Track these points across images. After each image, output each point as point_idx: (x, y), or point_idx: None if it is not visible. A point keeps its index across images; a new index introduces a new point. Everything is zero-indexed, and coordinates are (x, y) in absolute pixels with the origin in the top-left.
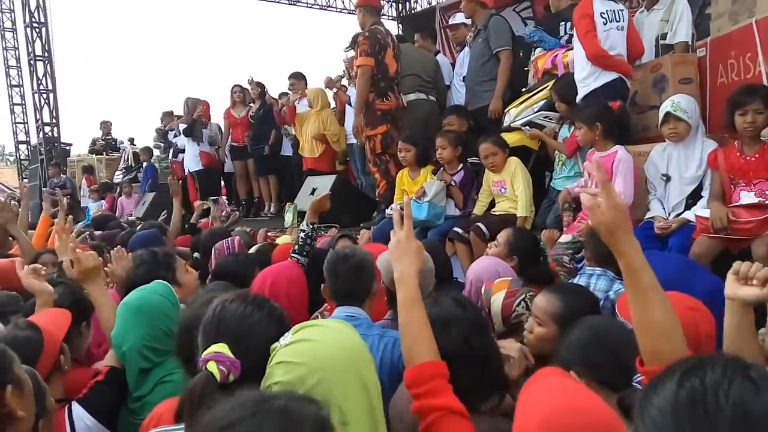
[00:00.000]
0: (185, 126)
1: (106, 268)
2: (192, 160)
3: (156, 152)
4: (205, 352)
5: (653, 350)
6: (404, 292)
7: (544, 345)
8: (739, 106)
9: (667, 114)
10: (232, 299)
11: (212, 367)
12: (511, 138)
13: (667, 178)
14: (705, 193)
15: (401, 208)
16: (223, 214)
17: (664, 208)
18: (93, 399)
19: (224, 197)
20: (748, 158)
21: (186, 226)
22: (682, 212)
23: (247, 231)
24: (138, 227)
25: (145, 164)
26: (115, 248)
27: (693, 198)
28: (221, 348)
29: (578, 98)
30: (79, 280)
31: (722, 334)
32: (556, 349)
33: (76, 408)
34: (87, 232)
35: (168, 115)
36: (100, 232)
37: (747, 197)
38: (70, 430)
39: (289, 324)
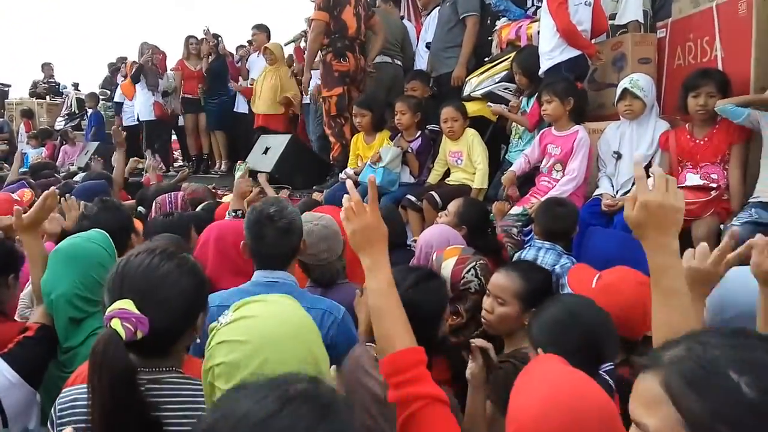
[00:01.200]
0: (133, 71)
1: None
2: (145, 109)
3: (102, 99)
4: (108, 309)
5: None
6: (378, 280)
7: (506, 325)
8: (692, 89)
9: (624, 90)
10: (139, 252)
11: (116, 324)
12: (470, 108)
13: (619, 156)
14: (652, 173)
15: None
16: (159, 167)
17: (612, 185)
18: (18, 355)
19: (157, 155)
20: (697, 141)
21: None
22: (630, 190)
23: (208, 187)
24: (79, 177)
25: (90, 111)
26: (65, 197)
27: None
28: (125, 304)
29: (541, 71)
30: (19, 230)
31: None
32: (528, 329)
33: None
34: (23, 180)
35: (122, 61)
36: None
37: (692, 179)
38: None
39: (204, 276)
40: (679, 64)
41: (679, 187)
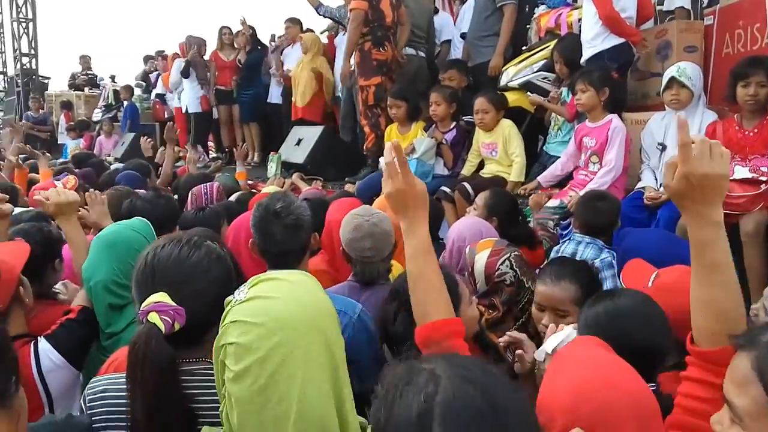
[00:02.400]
0: (182, 67)
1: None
2: (193, 102)
3: (137, 91)
4: (143, 304)
5: (706, 329)
6: (414, 244)
7: None
8: (742, 77)
9: (671, 79)
10: (165, 244)
11: (154, 318)
12: (508, 98)
13: (663, 148)
14: None
15: (392, 154)
16: (200, 159)
17: (656, 178)
18: (61, 336)
19: (200, 147)
20: (746, 133)
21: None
22: None
23: (235, 179)
24: (114, 167)
25: (125, 103)
26: (89, 191)
27: None
28: (161, 297)
29: (583, 59)
30: (53, 214)
31: None
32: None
33: (43, 344)
34: (66, 168)
35: (160, 54)
36: (79, 170)
37: (741, 172)
38: (36, 366)
39: (231, 263)
40: (728, 52)
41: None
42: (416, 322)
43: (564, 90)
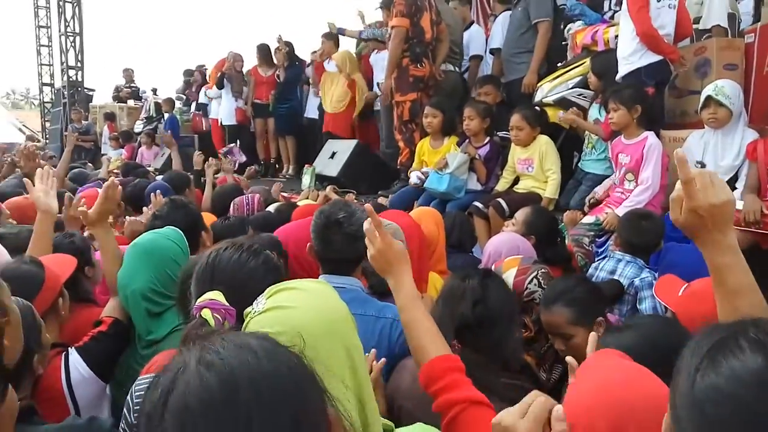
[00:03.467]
0: (217, 79)
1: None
2: (227, 114)
3: (178, 104)
4: (199, 300)
5: None
6: (403, 296)
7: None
8: None
9: (708, 98)
10: (227, 247)
11: (207, 314)
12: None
13: (702, 166)
14: (739, 185)
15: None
16: (236, 165)
17: None
18: (92, 349)
19: (236, 146)
20: None
21: (201, 179)
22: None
23: (266, 188)
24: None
25: (166, 115)
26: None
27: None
28: (216, 295)
29: (619, 76)
30: (92, 221)
31: None
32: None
33: (74, 356)
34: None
35: (200, 68)
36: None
37: None
38: (65, 377)
39: (284, 274)
40: None
41: None
42: (417, 367)
43: (596, 107)
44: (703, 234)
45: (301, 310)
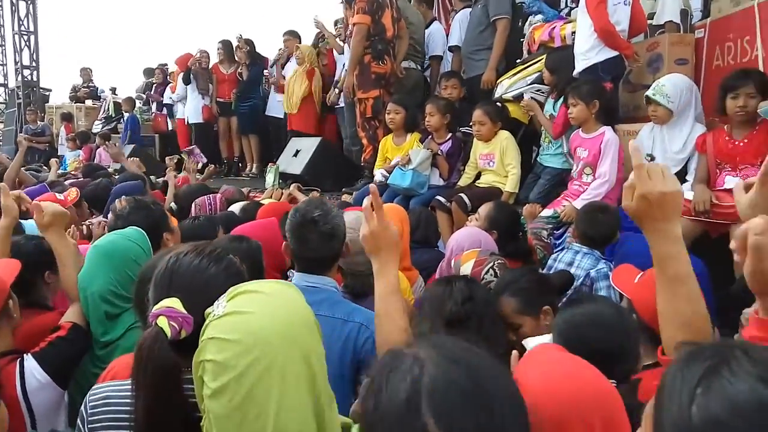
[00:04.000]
0: (183, 74)
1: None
2: (194, 111)
3: (138, 103)
4: (155, 307)
5: (675, 339)
6: (384, 284)
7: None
8: (731, 89)
9: (647, 97)
10: (188, 251)
11: (163, 322)
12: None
13: (651, 158)
14: (690, 177)
15: (370, 196)
16: (199, 165)
17: None
18: (49, 354)
19: (197, 147)
20: (736, 143)
21: (161, 180)
22: None
23: (241, 190)
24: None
25: (126, 115)
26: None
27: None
28: (173, 302)
29: (576, 71)
30: (45, 225)
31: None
32: (552, 328)
33: (30, 362)
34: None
35: (161, 67)
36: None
37: (732, 182)
38: (20, 385)
39: (246, 280)
40: (718, 64)
41: (718, 191)
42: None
43: (550, 102)
44: (650, 222)
45: (258, 315)
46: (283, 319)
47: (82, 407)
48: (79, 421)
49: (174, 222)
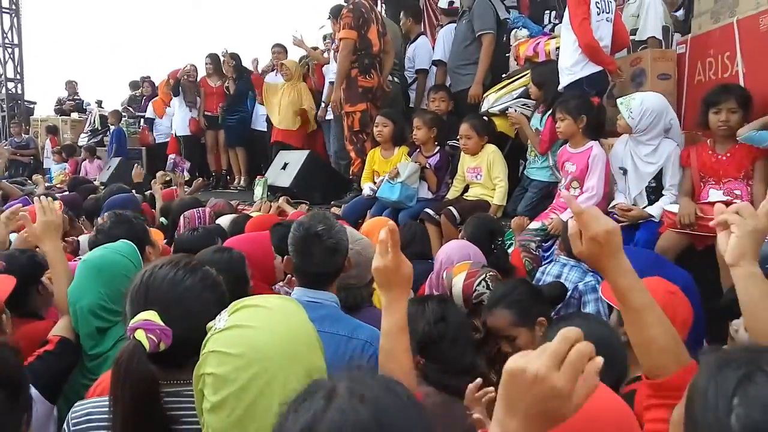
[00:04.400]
0: (172, 85)
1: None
2: (182, 124)
3: (125, 117)
4: (133, 320)
5: (656, 366)
6: (392, 321)
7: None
8: (713, 105)
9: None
10: (163, 264)
11: (140, 335)
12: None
13: (624, 171)
14: (666, 192)
15: (387, 230)
16: (186, 174)
17: (625, 199)
18: (38, 369)
19: (180, 157)
20: (719, 157)
21: (146, 192)
22: (637, 204)
23: (230, 203)
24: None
25: (112, 128)
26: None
27: (656, 195)
28: (150, 315)
29: (561, 86)
30: (37, 235)
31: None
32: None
33: None
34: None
35: (145, 80)
36: (64, 194)
37: (715, 195)
38: None
39: (225, 291)
40: (700, 79)
41: (702, 203)
42: None
43: (537, 117)
44: (603, 261)
45: (260, 330)
46: (285, 334)
47: (65, 424)
48: None
49: (160, 236)
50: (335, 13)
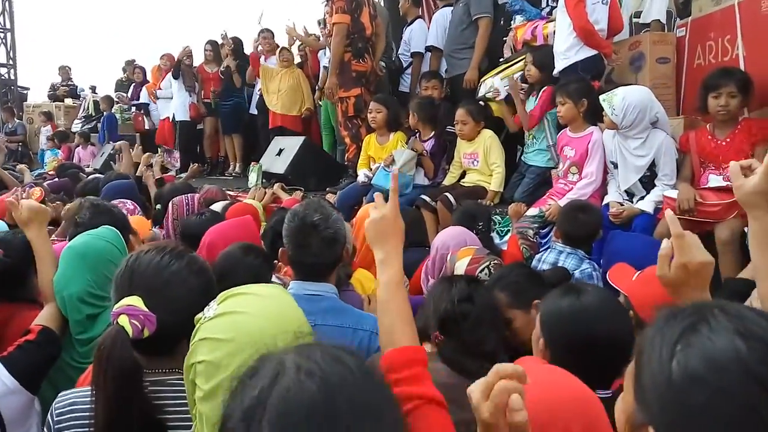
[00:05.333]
0: (172, 69)
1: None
2: (181, 108)
3: (118, 103)
4: (116, 306)
5: None
6: (389, 274)
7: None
8: (713, 89)
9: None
10: (149, 250)
11: (124, 321)
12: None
13: (615, 166)
14: (658, 182)
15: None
16: (172, 171)
17: (618, 192)
18: (18, 358)
19: (176, 151)
20: (719, 142)
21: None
22: (643, 197)
23: (223, 189)
24: (92, 177)
25: (105, 114)
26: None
27: (652, 184)
28: (134, 301)
29: (556, 71)
30: (23, 221)
31: None
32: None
33: None
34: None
35: (130, 65)
36: (56, 180)
37: (715, 180)
38: None
39: (212, 277)
40: (699, 63)
41: (702, 189)
42: (382, 349)
43: (532, 100)
44: (687, 292)
45: (251, 315)
46: (276, 318)
47: (49, 415)
48: (45, 428)
49: (146, 224)
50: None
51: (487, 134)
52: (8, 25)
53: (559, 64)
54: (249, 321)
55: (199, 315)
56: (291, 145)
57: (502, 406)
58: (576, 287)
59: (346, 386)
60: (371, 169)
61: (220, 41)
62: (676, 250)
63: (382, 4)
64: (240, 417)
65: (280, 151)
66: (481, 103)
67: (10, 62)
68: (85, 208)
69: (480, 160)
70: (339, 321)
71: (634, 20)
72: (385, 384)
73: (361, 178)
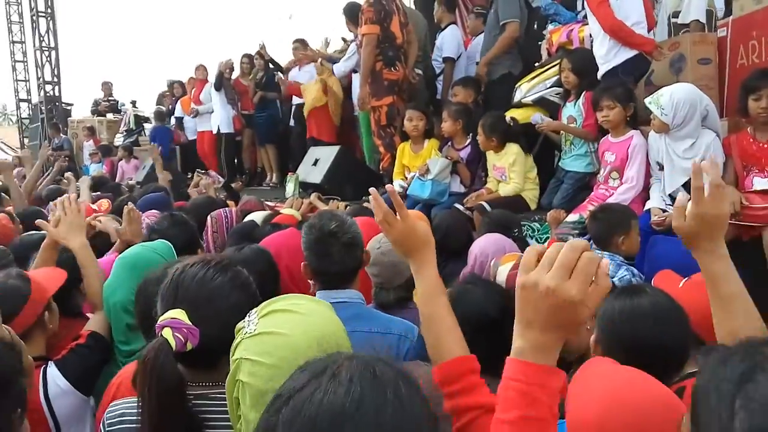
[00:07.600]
0: (214, 81)
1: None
2: (226, 121)
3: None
4: (161, 318)
5: None
6: (425, 285)
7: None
8: (753, 90)
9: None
10: (194, 263)
11: (167, 334)
12: (522, 114)
13: (661, 167)
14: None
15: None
16: (214, 185)
17: (663, 197)
18: (69, 361)
19: (215, 172)
20: (761, 145)
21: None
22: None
23: (260, 200)
24: (138, 191)
25: (147, 126)
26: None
27: None
28: (178, 314)
29: (598, 75)
30: (63, 234)
31: None
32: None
33: (51, 369)
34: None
35: (172, 86)
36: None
37: (760, 183)
38: (43, 391)
39: (255, 291)
40: (742, 63)
41: (746, 192)
42: (432, 363)
43: (570, 105)
44: (700, 242)
45: (292, 338)
46: (318, 340)
47: (101, 425)
48: None
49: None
50: (348, 13)
51: (513, 149)
52: (52, 44)
53: (601, 69)
54: (290, 344)
55: (240, 325)
56: (326, 154)
57: (591, 278)
58: (635, 288)
59: (381, 414)
60: (406, 178)
61: (256, 52)
62: (693, 201)
63: (415, 9)
64: (264, 423)
65: (316, 161)
66: (507, 117)
67: (55, 79)
68: (162, 218)
69: (507, 174)
70: (367, 327)
71: (673, 20)
72: (423, 401)
73: (396, 188)
